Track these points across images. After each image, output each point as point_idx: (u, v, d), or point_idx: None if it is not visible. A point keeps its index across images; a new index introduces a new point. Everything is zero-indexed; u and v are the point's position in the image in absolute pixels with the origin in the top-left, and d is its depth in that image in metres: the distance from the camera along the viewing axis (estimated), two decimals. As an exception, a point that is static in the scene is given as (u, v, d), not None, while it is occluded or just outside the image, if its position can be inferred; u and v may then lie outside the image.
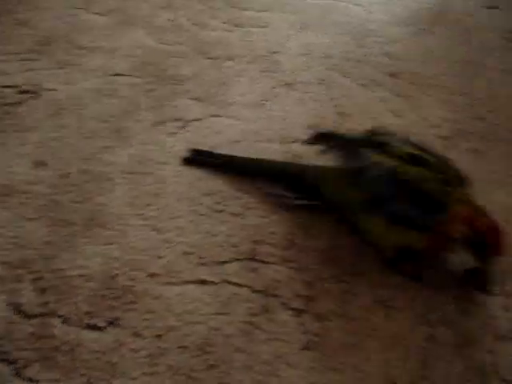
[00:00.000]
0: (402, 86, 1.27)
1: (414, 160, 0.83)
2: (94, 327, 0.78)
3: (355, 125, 1.11)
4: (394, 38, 1.42)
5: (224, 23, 1.45)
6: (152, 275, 0.85)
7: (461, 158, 1.07)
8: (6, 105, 1.13)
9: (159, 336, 0.78)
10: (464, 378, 0.78)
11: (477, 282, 0.84)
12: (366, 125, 0.94)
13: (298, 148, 1.07)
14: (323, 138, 0.94)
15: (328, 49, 1.36)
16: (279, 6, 1.52)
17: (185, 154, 1.04)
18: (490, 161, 1.10)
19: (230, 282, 0.86)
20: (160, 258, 0.87)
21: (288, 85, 1.24)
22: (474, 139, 1.14)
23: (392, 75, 1.29)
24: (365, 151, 0.85)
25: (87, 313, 0.80)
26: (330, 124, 1.13)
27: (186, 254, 0.88)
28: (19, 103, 1.13)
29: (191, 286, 0.84)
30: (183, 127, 1.11)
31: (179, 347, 0.77)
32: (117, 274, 0.85)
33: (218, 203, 0.97)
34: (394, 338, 0.80)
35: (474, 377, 0.78)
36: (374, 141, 0.87)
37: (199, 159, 1.03)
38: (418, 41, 1.42)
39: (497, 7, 1.58)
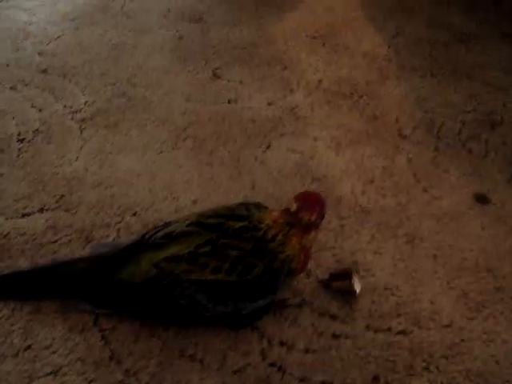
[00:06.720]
0: (50, 80, 1.32)
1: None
2: None
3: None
4: (53, 37, 1.47)
5: None
6: None
7: (98, 134, 1.15)
8: None
9: None
10: (67, 337, 0.84)
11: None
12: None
13: None
14: None
15: (-20, 61, 1.37)
16: None
17: None
18: (121, 131, 1.19)
19: None
20: None
21: None
22: (111, 115, 1.23)
23: (43, 72, 1.34)
24: None
25: None
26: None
27: None
28: None
29: None
30: None
31: None
32: None
33: None
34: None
35: (77, 335, 0.84)
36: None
37: None
38: (78, 34, 1.49)
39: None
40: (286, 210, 0.79)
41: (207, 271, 0.78)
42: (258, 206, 0.86)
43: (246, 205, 0.86)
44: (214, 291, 0.79)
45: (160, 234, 0.83)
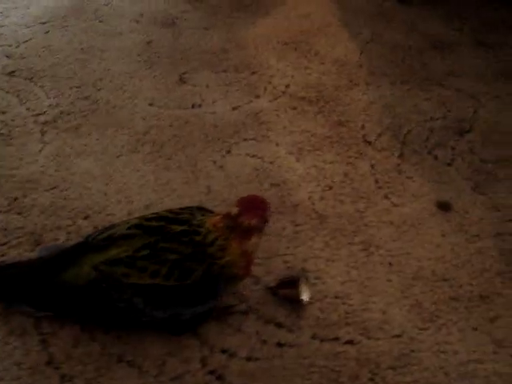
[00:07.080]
0: (16, 83, 1.31)
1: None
2: None
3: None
4: (22, 39, 1.46)
5: None
6: None
7: (58, 137, 1.14)
8: None
9: None
10: (5, 341, 0.82)
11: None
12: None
13: None
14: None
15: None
16: None
17: None
18: (82, 134, 1.18)
19: None
20: None
21: None
22: (73, 118, 1.22)
23: (9, 74, 1.33)
24: None
25: None
26: None
27: None
28: None
29: None
30: None
31: None
32: None
33: None
34: None
35: (15, 339, 0.82)
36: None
37: None
38: (48, 37, 1.48)
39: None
40: (227, 214, 0.78)
41: (145, 275, 0.77)
42: (204, 211, 0.85)
43: (191, 209, 0.85)
44: (152, 296, 0.77)
45: (102, 236, 0.82)
